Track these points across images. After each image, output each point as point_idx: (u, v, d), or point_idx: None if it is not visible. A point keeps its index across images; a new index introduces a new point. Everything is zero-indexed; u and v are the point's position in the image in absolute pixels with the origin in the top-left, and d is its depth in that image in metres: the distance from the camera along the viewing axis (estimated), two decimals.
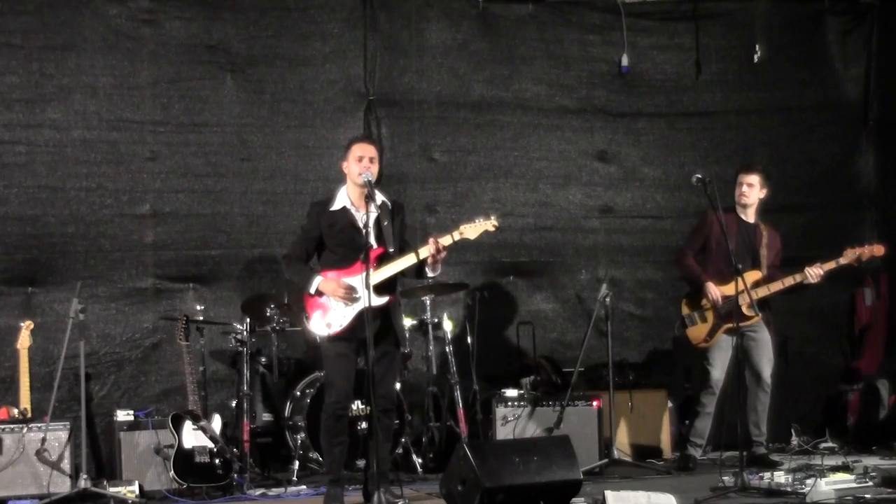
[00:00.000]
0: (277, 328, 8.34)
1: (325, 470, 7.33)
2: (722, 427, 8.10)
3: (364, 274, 6.47)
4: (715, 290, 8.06)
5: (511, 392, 8.60)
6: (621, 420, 8.61)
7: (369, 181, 6.69)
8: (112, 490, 7.39)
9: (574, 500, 6.60)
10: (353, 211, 6.82)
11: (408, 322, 8.29)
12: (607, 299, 8.41)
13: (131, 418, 7.99)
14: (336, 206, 6.85)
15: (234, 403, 8.49)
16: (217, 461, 7.66)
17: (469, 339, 8.94)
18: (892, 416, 9.15)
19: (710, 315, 8.14)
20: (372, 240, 6.70)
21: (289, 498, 7.58)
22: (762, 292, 8.00)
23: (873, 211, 10.30)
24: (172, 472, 7.56)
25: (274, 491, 7.71)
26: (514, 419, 8.39)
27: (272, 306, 8.33)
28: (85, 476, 7.27)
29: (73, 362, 7.83)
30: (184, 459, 7.60)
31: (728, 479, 6.99)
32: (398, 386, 7.91)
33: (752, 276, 7.99)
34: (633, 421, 8.82)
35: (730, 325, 8.01)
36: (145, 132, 8.88)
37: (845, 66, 10.32)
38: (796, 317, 9.79)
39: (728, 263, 7.95)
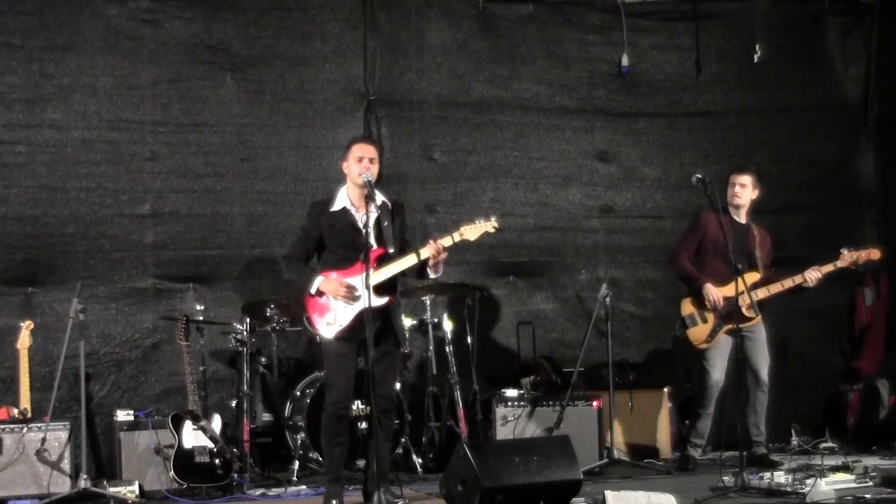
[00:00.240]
0: (277, 328, 8.34)
1: (324, 470, 7.32)
2: (722, 427, 8.10)
3: (364, 274, 6.48)
4: (715, 292, 8.06)
5: (511, 392, 8.60)
6: (621, 420, 8.60)
7: (369, 181, 6.69)
8: (112, 490, 7.39)
9: (574, 500, 6.60)
10: (353, 211, 6.81)
11: (408, 322, 8.29)
12: (607, 299, 8.40)
13: (131, 418, 7.99)
14: (336, 206, 6.85)
15: (234, 403, 8.49)
16: (217, 461, 7.66)
17: (469, 339, 8.94)
18: (892, 416, 9.15)
19: (710, 316, 8.14)
20: (372, 240, 6.70)
21: (289, 498, 7.58)
22: (762, 294, 8.00)
23: (873, 211, 10.30)
24: (172, 472, 7.56)
25: (274, 491, 7.71)
26: (514, 419, 8.39)
27: (272, 306, 8.32)
28: (85, 476, 7.27)
29: (73, 362, 7.83)
30: (184, 459, 7.60)
31: (728, 479, 6.99)
32: (398, 386, 7.91)
33: (750, 277, 7.99)
34: (633, 421, 8.82)
35: (730, 326, 8.01)
36: (145, 132, 8.88)
37: (845, 66, 10.32)
38: (796, 317, 9.80)
39: (726, 264, 7.98)
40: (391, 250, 6.69)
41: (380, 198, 6.79)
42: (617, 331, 9.01)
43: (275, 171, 9.19)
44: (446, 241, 6.72)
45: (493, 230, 6.83)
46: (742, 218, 8.26)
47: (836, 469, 7.31)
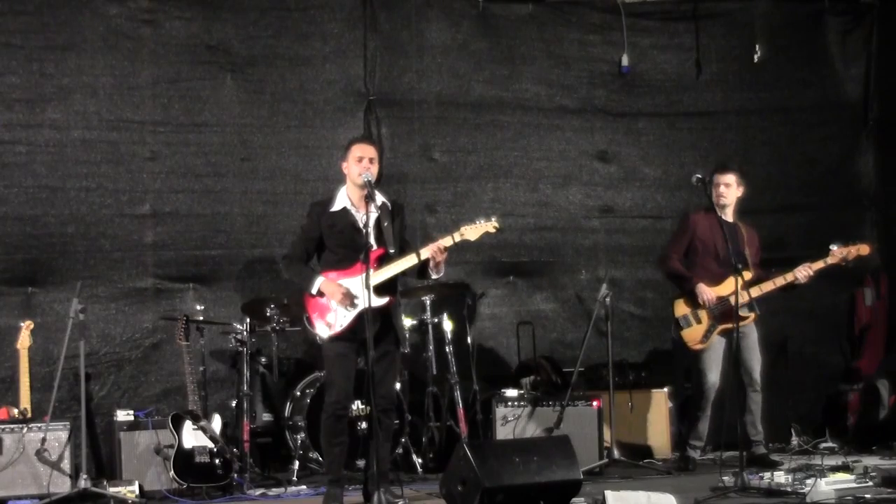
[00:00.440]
0: (277, 328, 8.34)
1: (324, 470, 7.32)
2: (722, 427, 8.10)
3: (364, 275, 6.48)
4: (708, 292, 8.06)
5: (511, 392, 8.60)
6: (621, 420, 8.60)
7: (369, 181, 6.69)
8: (112, 490, 7.39)
9: (574, 500, 6.59)
10: (353, 212, 6.81)
11: (408, 322, 8.29)
12: (607, 299, 8.40)
13: (131, 418, 7.99)
14: (336, 206, 6.85)
15: (234, 403, 8.49)
16: (217, 461, 7.66)
17: (469, 339, 8.95)
18: (892, 416, 9.15)
19: (704, 316, 8.14)
20: (372, 240, 6.70)
21: (289, 498, 7.58)
22: (755, 292, 7.95)
23: (873, 211, 10.31)
24: (172, 472, 7.56)
25: (274, 491, 7.71)
26: (514, 419, 8.39)
27: (272, 306, 8.32)
28: (85, 476, 7.27)
29: (73, 362, 7.83)
30: (184, 459, 7.59)
31: (728, 479, 6.99)
32: (398, 386, 7.91)
33: (744, 276, 7.97)
34: (633, 421, 8.82)
35: (725, 326, 8.02)
36: (145, 132, 8.88)
37: (845, 66, 10.32)
38: (796, 317, 9.81)
39: (717, 264, 8.01)
40: (391, 251, 6.69)
41: (380, 198, 6.79)
42: (617, 331, 9.01)
43: (275, 171, 9.19)
44: (446, 242, 6.72)
45: (493, 230, 6.83)
46: (729, 217, 8.22)
47: (836, 469, 7.32)
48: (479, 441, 8.38)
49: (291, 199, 9.14)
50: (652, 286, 9.85)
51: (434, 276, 6.86)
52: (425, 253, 6.69)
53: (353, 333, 6.72)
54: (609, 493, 6.42)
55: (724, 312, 8.00)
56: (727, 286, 8.01)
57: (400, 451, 8.23)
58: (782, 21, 10.24)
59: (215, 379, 8.84)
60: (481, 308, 9.50)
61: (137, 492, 7.49)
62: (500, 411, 8.45)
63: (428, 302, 8.60)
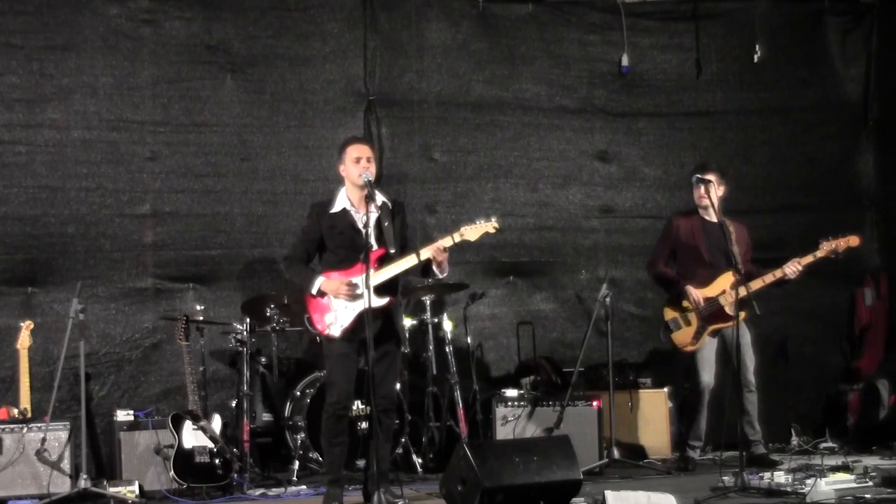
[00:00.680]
0: (277, 328, 8.34)
1: (324, 470, 7.32)
2: (722, 427, 8.09)
3: (365, 275, 6.48)
4: (696, 293, 8.07)
5: (511, 392, 8.60)
6: (621, 420, 8.60)
7: (369, 181, 6.69)
8: (112, 490, 7.39)
9: (574, 500, 6.59)
10: (353, 212, 6.81)
11: (408, 322, 8.29)
12: (607, 299, 8.40)
13: (131, 418, 7.99)
14: (336, 207, 6.85)
15: (234, 403, 8.49)
16: (217, 461, 7.66)
17: (469, 339, 8.94)
18: (892, 416, 9.15)
19: (693, 318, 8.14)
20: (372, 241, 6.70)
21: (289, 498, 7.58)
22: (744, 290, 7.89)
23: (873, 211, 10.30)
24: (172, 472, 7.56)
25: (274, 491, 7.71)
26: (514, 419, 8.38)
27: (272, 306, 8.32)
28: (85, 476, 7.27)
29: (73, 362, 7.83)
30: (184, 459, 7.60)
31: (728, 479, 6.98)
32: (398, 386, 7.90)
33: (729, 277, 7.95)
34: (633, 421, 8.82)
35: (714, 327, 8.04)
36: (145, 132, 8.88)
37: (845, 66, 10.32)
38: (796, 317, 9.81)
39: (702, 266, 8.04)
40: (392, 250, 6.68)
41: (380, 198, 6.79)
42: (617, 331, 9.01)
43: (275, 171, 9.19)
44: (446, 242, 6.71)
45: (493, 230, 6.82)
46: (713, 217, 8.13)
47: (836, 469, 7.31)
48: (479, 441, 8.39)
49: (291, 199, 9.14)
50: (652, 286, 9.79)
51: (439, 275, 6.86)
52: (425, 253, 6.68)
53: (354, 333, 6.72)
54: (609, 493, 6.42)
55: (714, 313, 8.01)
56: (715, 287, 8.03)
57: (400, 451, 8.23)
58: (782, 21, 10.23)
59: (215, 379, 8.83)
60: (481, 308, 9.49)
61: (137, 492, 7.49)
62: (500, 411, 8.44)
63: (428, 302, 8.60)
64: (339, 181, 6.99)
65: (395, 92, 9.52)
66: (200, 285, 8.95)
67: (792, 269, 8.01)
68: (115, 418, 7.98)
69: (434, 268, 6.76)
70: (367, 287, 6.46)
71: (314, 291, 6.76)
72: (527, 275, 9.81)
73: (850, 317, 10.24)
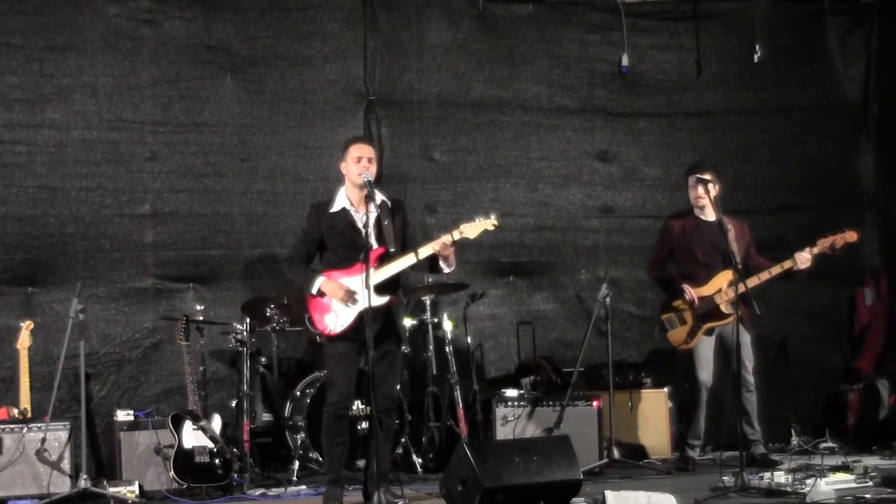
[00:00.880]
0: (277, 328, 8.34)
1: (324, 470, 7.32)
2: (722, 427, 8.10)
3: (364, 274, 6.48)
4: (691, 291, 8.07)
5: (511, 392, 8.60)
6: (621, 420, 8.60)
7: (369, 181, 6.69)
8: (112, 490, 7.39)
9: (574, 500, 6.60)
10: (352, 212, 6.82)
11: (408, 322, 8.29)
12: (607, 299, 8.40)
13: (131, 418, 7.99)
14: (335, 207, 6.85)
15: (234, 403, 8.49)
16: (217, 461, 7.66)
17: (469, 339, 8.94)
18: (892, 416, 9.15)
19: (688, 316, 8.14)
20: (372, 240, 6.70)
21: (289, 498, 7.58)
22: (752, 283, 7.86)
23: (873, 211, 10.30)
24: (172, 472, 7.56)
25: (274, 491, 7.71)
26: (514, 419, 8.38)
27: (272, 306, 8.32)
28: (85, 476, 7.27)
29: (73, 362, 7.83)
30: (184, 459, 7.60)
31: (728, 479, 6.98)
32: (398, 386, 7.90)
33: (726, 276, 7.95)
34: (633, 421, 8.82)
35: (709, 325, 8.04)
36: (145, 132, 8.89)
37: (845, 66, 10.32)
38: (796, 317, 9.81)
39: (697, 267, 8.05)
40: (392, 249, 6.69)
41: (379, 196, 6.79)
42: (617, 331, 9.02)
43: (275, 171, 9.19)
44: (446, 240, 6.71)
45: (492, 227, 6.81)
46: (710, 216, 8.11)
47: (836, 469, 7.30)
48: (479, 441, 8.38)
49: (291, 199, 9.14)
50: (652, 286, 9.78)
51: (446, 270, 6.84)
52: (424, 252, 6.68)
53: (354, 333, 6.72)
54: (609, 493, 6.42)
55: (709, 311, 8.02)
56: (711, 286, 8.04)
57: (400, 451, 8.23)
58: (782, 21, 10.23)
59: (215, 379, 8.84)
60: (481, 308, 9.49)
61: (137, 492, 7.49)
62: (500, 411, 8.44)
63: (428, 302, 8.60)
64: (339, 180, 6.99)
65: (395, 92, 9.52)
66: (200, 285, 8.96)
67: (803, 256, 7.92)
68: (115, 418, 7.98)
69: (441, 262, 6.76)
70: (367, 286, 6.46)
71: (314, 291, 6.76)
72: (527, 275, 9.81)
73: (850, 317, 10.25)
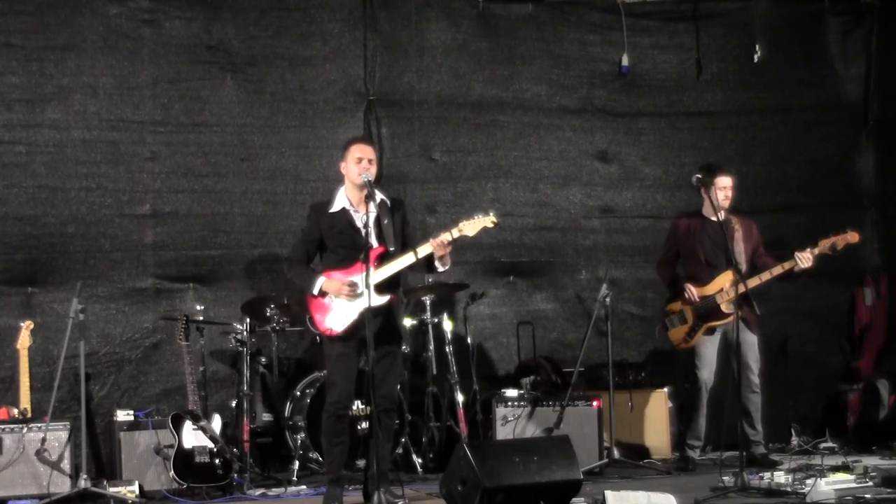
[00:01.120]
0: (277, 328, 8.34)
1: (324, 470, 7.32)
2: (722, 427, 8.10)
3: (365, 274, 6.48)
4: (692, 289, 8.08)
5: (511, 392, 8.60)
6: (621, 420, 8.60)
7: (369, 181, 6.69)
8: (112, 490, 7.39)
9: (574, 500, 6.60)
10: (352, 212, 6.82)
11: (408, 322, 8.29)
12: (607, 299, 8.40)
13: (131, 418, 7.99)
14: (335, 207, 6.85)
15: (234, 403, 8.49)
16: (217, 461, 7.66)
17: (469, 339, 8.94)
18: (892, 416, 9.15)
19: (689, 316, 8.15)
20: (372, 239, 6.70)
21: (289, 498, 7.58)
22: (753, 282, 7.89)
23: (873, 211, 10.30)
24: (172, 472, 7.56)
25: (274, 491, 7.71)
26: (514, 419, 8.38)
27: (272, 306, 8.32)
28: (85, 476, 7.28)
29: (73, 362, 7.83)
30: (184, 459, 7.60)
31: (728, 479, 6.98)
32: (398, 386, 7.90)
33: (728, 276, 7.95)
34: (633, 421, 8.82)
35: (709, 325, 8.05)
36: (145, 132, 8.88)
37: (845, 66, 10.33)
38: (796, 317, 9.82)
39: (701, 267, 8.08)
40: (392, 248, 6.69)
41: (379, 196, 6.79)
42: (617, 331, 9.02)
43: (275, 171, 9.19)
44: (445, 238, 6.70)
45: (492, 225, 6.79)
46: (721, 216, 8.11)
47: (836, 469, 7.30)
48: (479, 441, 8.38)
49: (291, 199, 9.14)
50: (652, 286, 9.84)
51: (441, 269, 6.84)
52: (423, 250, 6.68)
53: (354, 333, 6.72)
54: (609, 493, 6.43)
55: (709, 311, 8.03)
56: (714, 286, 8.04)
57: (400, 451, 8.23)
58: (782, 21, 10.24)
59: (215, 379, 8.84)
60: (481, 308, 9.49)
61: (137, 492, 7.49)
62: (500, 411, 8.44)
63: (428, 302, 8.60)
64: (339, 180, 6.99)
65: (395, 92, 9.52)
66: (200, 285, 8.95)
67: (805, 255, 7.92)
68: (115, 418, 7.98)
69: (436, 262, 6.75)
70: (368, 286, 6.46)
71: (315, 292, 6.76)
72: (527, 275, 9.81)
73: (850, 317, 10.25)
